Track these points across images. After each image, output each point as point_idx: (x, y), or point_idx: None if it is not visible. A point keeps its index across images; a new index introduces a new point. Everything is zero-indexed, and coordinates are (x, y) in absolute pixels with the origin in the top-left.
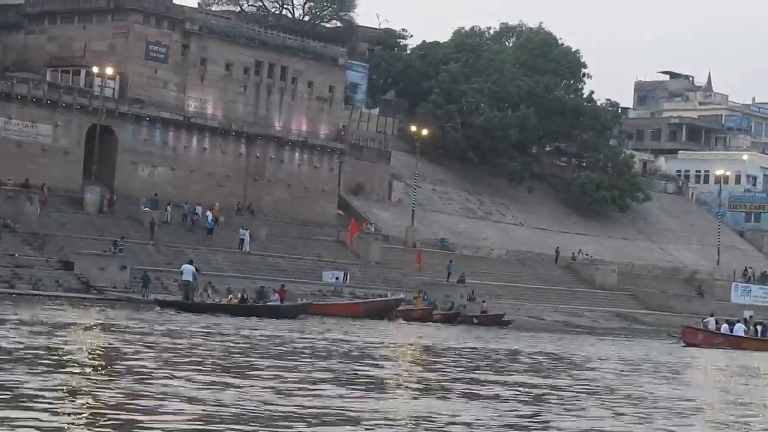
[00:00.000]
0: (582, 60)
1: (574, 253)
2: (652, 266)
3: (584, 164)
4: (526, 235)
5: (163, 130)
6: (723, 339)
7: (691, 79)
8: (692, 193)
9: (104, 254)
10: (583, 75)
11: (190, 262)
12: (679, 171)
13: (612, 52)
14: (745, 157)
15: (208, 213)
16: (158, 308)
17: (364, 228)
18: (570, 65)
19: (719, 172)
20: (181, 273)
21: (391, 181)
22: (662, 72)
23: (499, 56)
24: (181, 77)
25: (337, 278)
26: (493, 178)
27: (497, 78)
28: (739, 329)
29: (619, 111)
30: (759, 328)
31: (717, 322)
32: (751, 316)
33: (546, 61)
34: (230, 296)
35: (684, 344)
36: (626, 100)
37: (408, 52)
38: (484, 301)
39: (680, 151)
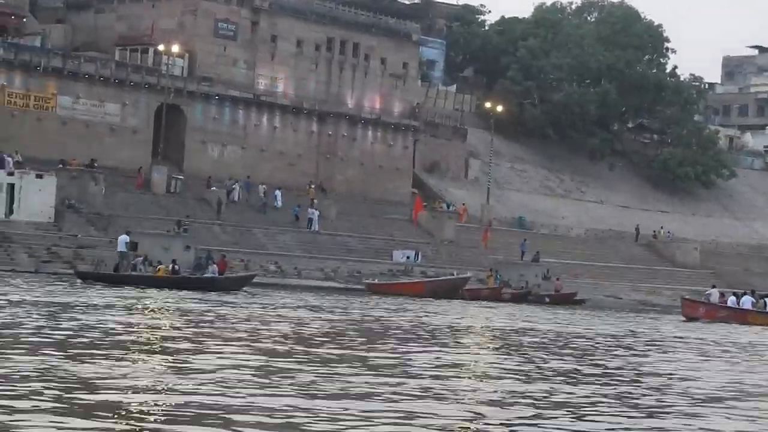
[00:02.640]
0: (665, 34)
1: (655, 231)
2: (736, 244)
3: (667, 140)
4: (606, 213)
5: (232, 109)
6: (727, 313)
7: None
8: None
9: (168, 234)
10: (666, 50)
11: (128, 233)
12: (766, 147)
13: (700, 27)
14: None
15: (277, 192)
16: (79, 281)
17: (436, 206)
18: (652, 40)
19: None
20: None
21: (467, 159)
22: (751, 47)
23: (579, 31)
24: (251, 55)
25: (408, 257)
26: (573, 155)
27: (577, 53)
28: (747, 302)
29: (704, 86)
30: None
31: (723, 295)
32: None
33: (627, 36)
34: (159, 267)
35: (684, 318)
36: (714, 75)
37: (486, 28)
38: (557, 279)
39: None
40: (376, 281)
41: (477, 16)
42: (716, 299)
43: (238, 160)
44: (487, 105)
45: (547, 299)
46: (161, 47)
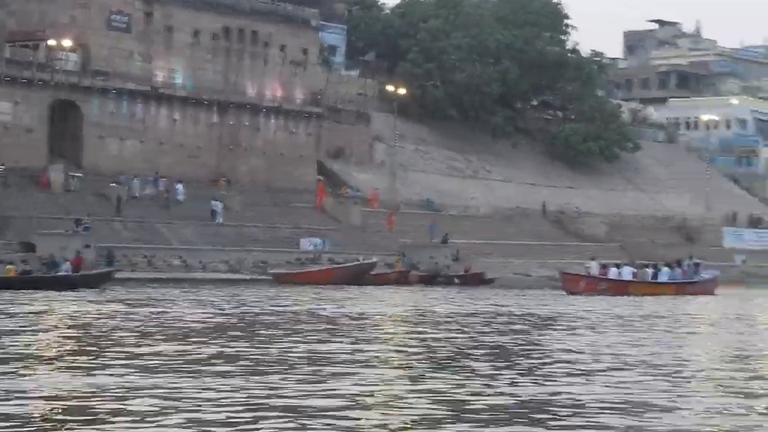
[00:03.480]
0: (564, 11)
1: (562, 207)
2: (642, 216)
3: (570, 116)
4: (513, 191)
5: (130, 103)
6: (608, 285)
7: (679, 26)
8: (683, 141)
9: (66, 234)
10: (566, 26)
11: None
12: (669, 119)
13: (601, 3)
14: (734, 101)
15: (179, 186)
16: None
17: (341, 192)
18: (552, 17)
19: (707, 117)
20: None
21: (372, 143)
22: (651, 21)
23: (479, 11)
24: (146, 47)
25: (315, 245)
26: (477, 134)
27: (477, 33)
28: (627, 273)
29: (605, 61)
30: (650, 270)
31: (604, 267)
32: (691, 258)
33: (527, 14)
34: (8, 267)
35: (566, 292)
36: (616, 50)
37: (387, 11)
38: (465, 260)
39: (670, 99)
40: (283, 271)
41: (377, 0)
42: (596, 272)
43: (138, 154)
44: (390, 88)
45: (457, 280)
46: (53, 42)
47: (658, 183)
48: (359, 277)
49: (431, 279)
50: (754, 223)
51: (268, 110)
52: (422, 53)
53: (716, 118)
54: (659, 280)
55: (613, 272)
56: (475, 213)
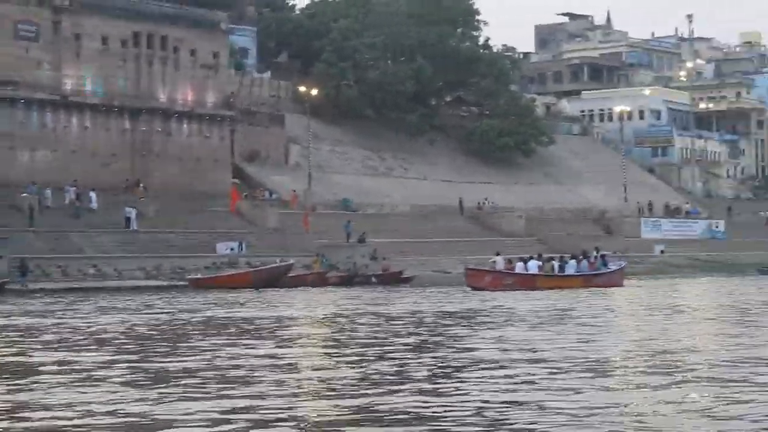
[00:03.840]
0: (475, 7)
1: (479, 203)
2: (560, 209)
3: (485, 112)
4: (430, 189)
5: (40, 112)
6: (514, 279)
7: (590, 18)
8: (597, 133)
9: None
10: (478, 22)
11: None
12: (582, 111)
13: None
14: (647, 92)
15: (92, 194)
16: None
17: (257, 195)
18: (463, 13)
19: (619, 108)
20: None
21: (287, 145)
22: (561, 14)
23: (390, 9)
24: (55, 55)
25: (232, 249)
26: (393, 133)
27: (389, 31)
28: (533, 266)
29: (517, 56)
30: (556, 264)
31: (510, 261)
32: (598, 250)
33: (438, 11)
34: None
35: (470, 288)
36: (529, 45)
37: (298, 12)
38: (384, 259)
39: (583, 92)
40: (199, 276)
41: (287, 1)
42: (501, 266)
43: (50, 164)
44: (303, 89)
45: (374, 279)
46: None
47: (575, 176)
48: (277, 279)
49: (349, 279)
50: (671, 212)
51: (180, 115)
52: (335, 53)
53: (629, 109)
54: (566, 273)
55: (519, 266)
56: (393, 211)
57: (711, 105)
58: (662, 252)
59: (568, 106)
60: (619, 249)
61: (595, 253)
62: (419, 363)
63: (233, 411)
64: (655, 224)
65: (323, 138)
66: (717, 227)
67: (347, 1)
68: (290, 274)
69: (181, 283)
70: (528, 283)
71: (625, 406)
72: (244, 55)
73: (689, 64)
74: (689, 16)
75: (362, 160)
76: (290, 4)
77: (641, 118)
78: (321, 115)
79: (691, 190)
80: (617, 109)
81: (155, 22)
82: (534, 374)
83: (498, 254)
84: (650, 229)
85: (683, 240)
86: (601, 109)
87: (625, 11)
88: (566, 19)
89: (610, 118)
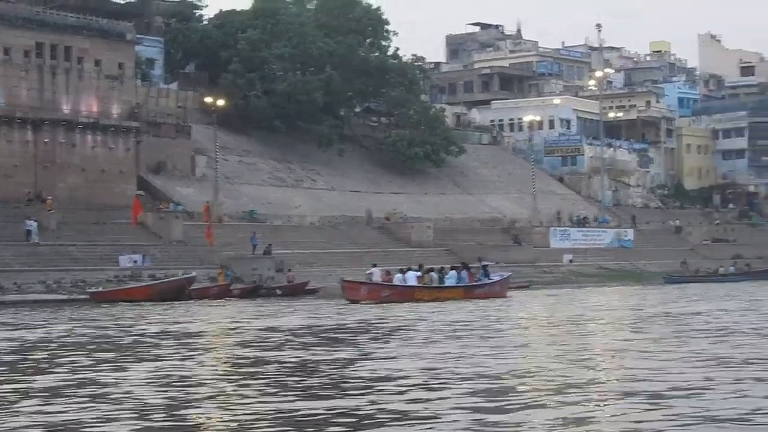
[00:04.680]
0: (384, 17)
1: (388, 213)
2: (470, 219)
3: (395, 122)
4: (340, 200)
5: None
6: (392, 291)
7: (501, 28)
8: (508, 142)
9: None
10: (388, 32)
11: None
12: (493, 121)
13: (423, 8)
14: (556, 101)
15: None
16: None
17: (162, 206)
18: (372, 23)
19: (529, 118)
20: None
21: (194, 157)
22: (472, 24)
23: (299, 19)
24: None
25: (135, 261)
26: (302, 144)
27: (298, 42)
28: (412, 278)
29: (428, 66)
30: (435, 275)
31: (388, 273)
32: (482, 262)
33: (347, 21)
34: None
35: (348, 301)
36: (440, 55)
37: (205, 22)
38: (289, 270)
39: (493, 101)
40: (100, 289)
41: (195, 12)
42: (378, 278)
43: None
44: (208, 100)
45: (279, 291)
46: None
47: (485, 185)
48: (179, 292)
49: (253, 291)
50: (580, 222)
51: (84, 126)
52: (243, 64)
53: (539, 118)
54: (446, 284)
55: (397, 278)
56: (301, 223)
57: (621, 114)
58: (571, 261)
59: (478, 116)
60: (528, 259)
61: (477, 264)
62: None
63: None
64: (563, 234)
65: (231, 149)
66: (625, 236)
67: (255, 11)
68: (193, 287)
69: (83, 296)
70: (406, 295)
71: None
72: (150, 66)
73: (599, 74)
74: (598, 26)
75: (271, 171)
76: (198, 15)
77: (551, 127)
78: (229, 126)
79: (601, 199)
80: (527, 118)
81: (59, 33)
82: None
83: (374, 265)
84: (559, 239)
85: (592, 249)
86: (512, 119)
87: (536, 21)
88: (477, 29)
89: (521, 128)
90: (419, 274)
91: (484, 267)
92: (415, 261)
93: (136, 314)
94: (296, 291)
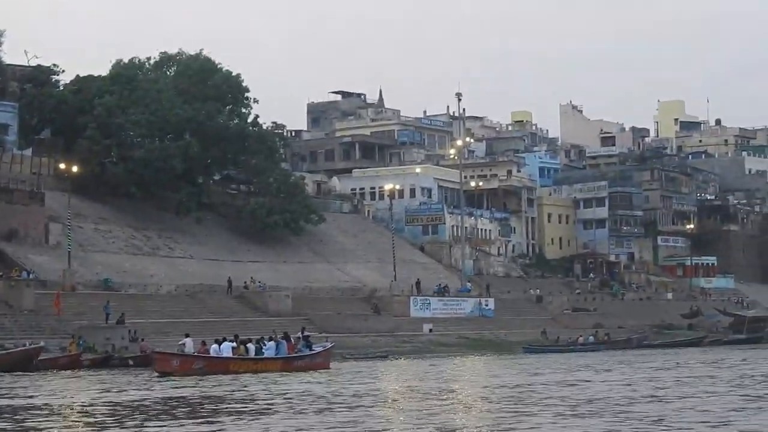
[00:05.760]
0: (244, 84)
1: (246, 282)
2: (330, 288)
3: (255, 190)
4: (197, 268)
5: None
6: (205, 363)
7: (363, 97)
8: (368, 211)
9: None
10: (248, 99)
11: None
12: (354, 190)
13: (285, 76)
14: (418, 170)
15: None
16: None
17: (13, 274)
18: (232, 90)
19: (389, 186)
20: None
21: (47, 224)
22: (334, 92)
23: (157, 86)
24: None
25: None
26: (159, 211)
27: (156, 108)
28: (227, 349)
29: (287, 133)
30: (252, 346)
31: (204, 343)
32: (303, 331)
33: (206, 87)
34: None
35: (158, 374)
36: (302, 122)
37: (61, 88)
38: (143, 340)
39: (354, 170)
40: None
41: (51, 77)
42: (191, 348)
43: None
44: (62, 166)
45: (131, 362)
46: None
47: (345, 254)
48: (27, 362)
49: (104, 362)
50: (441, 291)
51: None
52: (100, 129)
53: (399, 187)
54: (264, 356)
55: (213, 349)
56: (156, 291)
57: (482, 183)
58: (431, 331)
59: (339, 184)
60: (388, 328)
61: (299, 335)
62: None
63: None
64: (424, 303)
65: (86, 216)
66: (486, 305)
67: (113, 77)
68: (41, 357)
69: None
70: (220, 366)
71: None
72: (4, 131)
73: (459, 143)
74: (458, 95)
75: (126, 239)
76: (54, 80)
77: (412, 196)
78: (85, 193)
79: (462, 268)
80: (388, 186)
81: None
82: None
83: (187, 335)
84: (419, 308)
85: (452, 318)
86: (372, 187)
87: (397, 90)
88: (339, 97)
89: (382, 196)
90: (234, 345)
91: (306, 338)
92: (270, 330)
93: None
94: (149, 361)
